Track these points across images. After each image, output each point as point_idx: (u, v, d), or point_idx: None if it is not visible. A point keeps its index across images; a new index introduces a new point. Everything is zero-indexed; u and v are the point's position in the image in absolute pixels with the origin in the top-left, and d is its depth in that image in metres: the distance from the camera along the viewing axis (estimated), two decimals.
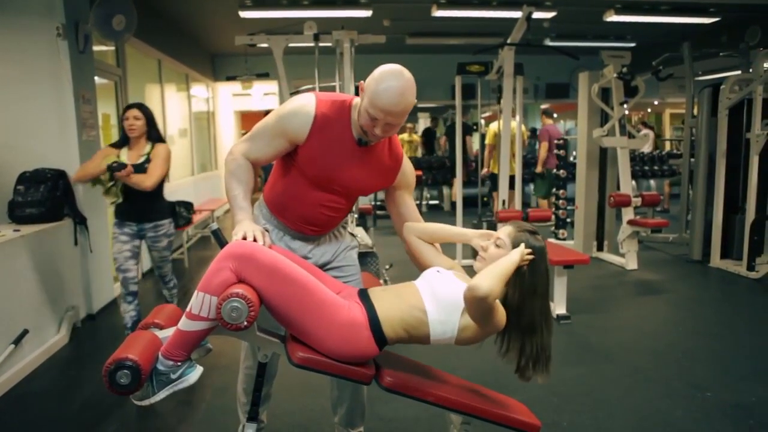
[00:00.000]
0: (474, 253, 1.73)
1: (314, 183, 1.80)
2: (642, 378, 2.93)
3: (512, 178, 5.57)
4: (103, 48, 4.72)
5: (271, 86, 9.01)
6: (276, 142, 1.76)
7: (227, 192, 1.80)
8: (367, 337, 1.54)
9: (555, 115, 7.86)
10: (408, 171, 1.92)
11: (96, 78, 4.26)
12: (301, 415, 2.57)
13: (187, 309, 1.49)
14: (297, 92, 4.73)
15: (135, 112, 3.11)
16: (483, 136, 7.40)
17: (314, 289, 1.52)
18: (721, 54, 6.66)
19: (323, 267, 1.90)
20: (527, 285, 1.59)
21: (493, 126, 6.74)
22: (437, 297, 1.58)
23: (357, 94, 1.75)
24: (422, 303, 1.58)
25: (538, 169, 7.59)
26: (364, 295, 1.64)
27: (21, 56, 3.71)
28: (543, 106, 12.12)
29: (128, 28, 4.00)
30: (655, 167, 10.55)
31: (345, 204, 1.88)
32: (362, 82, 1.69)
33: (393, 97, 1.58)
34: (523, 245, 1.60)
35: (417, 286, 1.65)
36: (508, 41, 4.99)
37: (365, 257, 3.67)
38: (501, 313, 1.54)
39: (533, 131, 10.63)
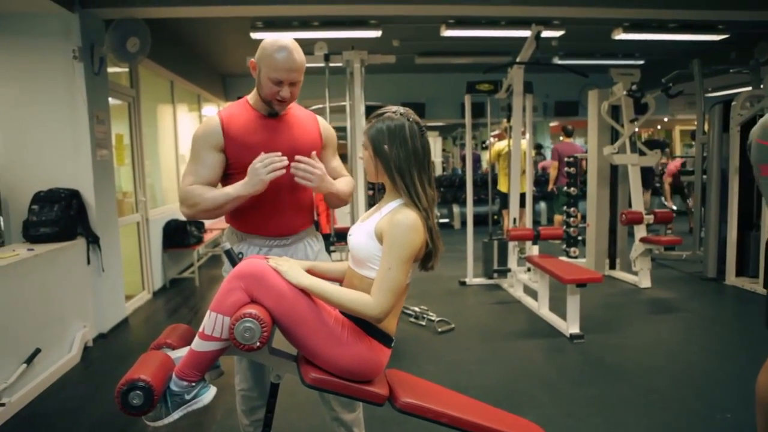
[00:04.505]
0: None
1: None
2: (658, 398, 2.87)
3: (523, 196, 5.55)
4: (117, 69, 4.80)
5: None
6: (209, 159, 1.87)
7: (216, 206, 1.82)
8: (374, 344, 1.54)
9: (571, 132, 7.49)
10: (328, 127, 2.09)
11: (110, 99, 4.33)
12: None
13: (200, 329, 1.49)
14: None
15: None
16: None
17: (322, 308, 1.52)
18: (731, 70, 6.64)
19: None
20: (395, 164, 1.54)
21: (499, 145, 6.73)
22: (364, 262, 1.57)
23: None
24: (367, 276, 1.56)
25: (549, 187, 7.60)
26: None
27: (38, 77, 3.79)
28: (552, 124, 12.20)
29: (142, 50, 4.07)
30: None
31: None
32: (252, 60, 1.89)
33: (289, 56, 1.82)
34: None
35: (351, 267, 1.64)
36: (518, 60, 5.02)
37: None
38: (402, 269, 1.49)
39: (538, 147, 10.60)
